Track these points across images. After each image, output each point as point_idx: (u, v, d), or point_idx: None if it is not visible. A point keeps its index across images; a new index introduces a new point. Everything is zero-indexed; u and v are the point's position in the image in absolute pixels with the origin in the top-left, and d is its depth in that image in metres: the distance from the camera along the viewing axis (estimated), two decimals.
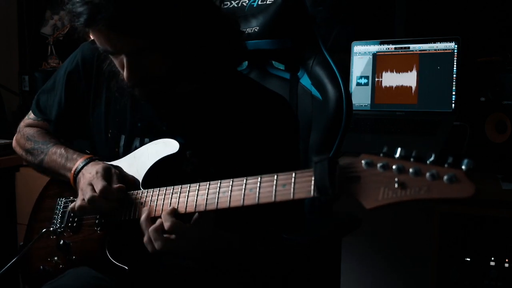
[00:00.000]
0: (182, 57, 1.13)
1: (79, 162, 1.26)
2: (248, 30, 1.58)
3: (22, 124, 1.46)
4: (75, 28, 1.11)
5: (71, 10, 1.07)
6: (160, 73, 1.13)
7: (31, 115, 1.45)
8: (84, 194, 1.17)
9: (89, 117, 1.33)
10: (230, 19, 1.22)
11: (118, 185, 1.17)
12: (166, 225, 1.05)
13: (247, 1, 1.63)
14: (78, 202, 1.18)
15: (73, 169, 1.26)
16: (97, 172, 1.18)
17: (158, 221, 1.06)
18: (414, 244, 2.29)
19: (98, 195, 1.15)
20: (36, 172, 1.42)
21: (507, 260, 1.66)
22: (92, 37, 1.15)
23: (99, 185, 1.15)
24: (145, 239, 1.08)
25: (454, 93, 2.06)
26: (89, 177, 1.19)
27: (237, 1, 1.64)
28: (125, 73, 1.11)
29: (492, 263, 1.67)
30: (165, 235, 1.05)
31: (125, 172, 1.23)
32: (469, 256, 1.70)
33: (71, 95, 1.35)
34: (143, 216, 1.10)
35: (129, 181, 1.20)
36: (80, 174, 1.23)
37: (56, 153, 1.33)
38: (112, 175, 1.20)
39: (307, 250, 1.47)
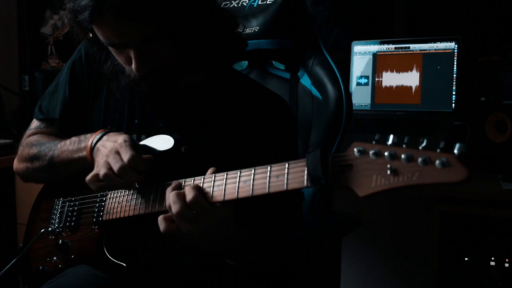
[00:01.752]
0: (187, 44, 1.12)
1: (95, 135, 1.20)
2: (248, 30, 1.58)
3: (23, 138, 1.41)
4: (79, 26, 1.09)
5: (73, 7, 1.06)
6: (167, 61, 1.12)
7: (32, 125, 1.41)
8: (111, 162, 1.10)
9: (90, 113, 1.32)
10: (227, 12, 1.22)
11: (147, 155, 1.12)
12: (189, 197, 1.01)
13: (247, 1, 1.63)
14: (103, 170, 1.11)
15: (90, 142, 1.20)
16: (125, 141, 1.12)
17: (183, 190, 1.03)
18: (414, 244, 2.29)
19: (127, 164, 1.09)
20: (45, 181, 1.39)
21: (507, 260, 1.66)
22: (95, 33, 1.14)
23: (127, 154, 1.09)
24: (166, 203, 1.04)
25: (454, 93, 2.06)
26: (114, 145, 1.13)
27: (237, 1, 1.64)
28: (133, 65, 1.09)
29: (492, 263, 1.67)
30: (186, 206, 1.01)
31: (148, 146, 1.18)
32: (469, 256, 1.70)
33: (74, 87, 1.33)
34: (170, 187, 1.05)
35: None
36: (98, 145, 1.18)
37: (66, 143, 1.28)
38: (138, 146, 1.15)
39: (307, 250, 1.47)
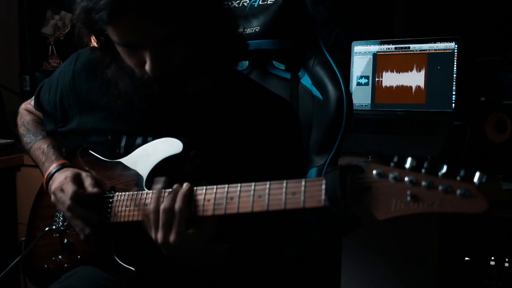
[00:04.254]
0: (199, 46, 1.11)
1: (52, 167, 1.30)
2: (249, 30, 1.58)
3: (22, 106, 1.52)
4: (90, 26, 1.08)
5: (88, 5, 1.03)
6: (181, 64, 1.10)
7: (32, 100, 1.47)
8: (60, 201, 1.21)
9: (82, 123, 1.32)
10: (231, 16, 1.22)
11: (91, 189, 1.20)
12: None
13: (248, 1, 1.63)
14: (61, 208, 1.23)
15: (47, 173, 1.30)
16: (65, 178, 1.22)
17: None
18: (414, 244, 2.29)
19: (70, 202, 1.18)
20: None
21: (507, 260, 1.66)
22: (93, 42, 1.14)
23: (69, 190, 1.19)
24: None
25: (454, 93, 2.06)
26: (60, 181, 1.23)
27: (237, 1, 1.64)
28: (148, 67, 1.06)
29: (492, 263, 1.68)
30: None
31: (98, 177, 1.25)
32: (469, 256, 1.70)
33: (62, 104, 1.36)
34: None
35: (103, 187, 1.23)
36: (52, 180, 1.28)
37: (40, 149, 1.38)
38: (84, 179, 1.22)
39: (307, 250, 1.47)
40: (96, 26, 1.06)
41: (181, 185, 1.05)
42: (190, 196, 1.03)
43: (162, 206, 1.03)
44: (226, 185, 1.01)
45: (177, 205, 1.03)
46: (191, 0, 1.03)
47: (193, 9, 1.04)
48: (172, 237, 1.03)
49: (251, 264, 1.19)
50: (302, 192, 0.91)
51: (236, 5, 1.63)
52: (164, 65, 1.07)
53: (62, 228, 1.30)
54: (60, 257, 1.30)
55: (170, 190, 1.06)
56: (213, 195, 1.02)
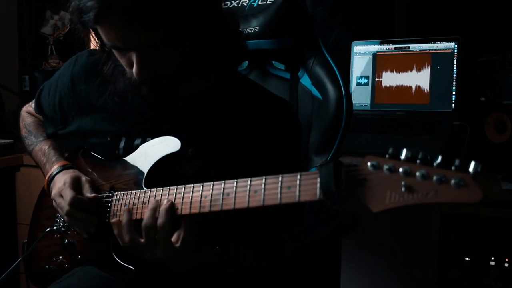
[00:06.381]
0: (190, 51, 1.11)
1: (54, 169, 1.31)
2: (248, 30, 1.58)
3: (24, 108, 1.53)
4: (82, 25, 1.08)
5: (79, 5, 1.04)
6: (169, 69, 1.10)
7: (33, 103, 1.48)
8: (60, 206, 1.23)
9: (82, 125, 1.33)
10: (231, 18, 1.21)
11: (89, 195, 1.21)
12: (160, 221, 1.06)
13: (247, 1, 1.63)
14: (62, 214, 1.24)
15: (48, 174, 1.31)
16: (64, 183, 1.23)
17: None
18: (414, 244, 2.29)
19: (69, 208, 1.20)
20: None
21: (507, 260, 1.66)
22: (91, 38, 1.14)
23: (68, 196, 1.20)
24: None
25: (454, 93, 2.06)
26: (59, 186, 1.24)
27: (237, 1, 1.64)
28: (134, 70, 1.07)
29: (492, 263, 1.67)
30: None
31: (98, 179, 1.27)
32: (469, 256, 1.70)
33: (62, 107, 1.36)
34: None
35: (103, 188, 1.24)
36: (53, 182, 1.29)
37: (41, 150, 1.40)
38: (83, 184, 1.23)
39: (307, 250, 1.47)
40: (87, 25, 1.07)
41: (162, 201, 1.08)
42: (172, 211, 1.05)
43: (143, 224, 1.06)
44: (223, 181, 1.01)
45: (160, 220, 1.05)
46: (177, 7, 1.02)
47: (180, 16, 1.03)
48: (159, 252, 1.07)
49: (248, 264, 1.19)
50: (297, 186, 0.91)
51: (236, 5, 1.63)
52: (150, 69, 1.08)
53: (63, 229, 1.31)
54: (61, 257, 1.30)
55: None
56: (210, 192, 1.02)
